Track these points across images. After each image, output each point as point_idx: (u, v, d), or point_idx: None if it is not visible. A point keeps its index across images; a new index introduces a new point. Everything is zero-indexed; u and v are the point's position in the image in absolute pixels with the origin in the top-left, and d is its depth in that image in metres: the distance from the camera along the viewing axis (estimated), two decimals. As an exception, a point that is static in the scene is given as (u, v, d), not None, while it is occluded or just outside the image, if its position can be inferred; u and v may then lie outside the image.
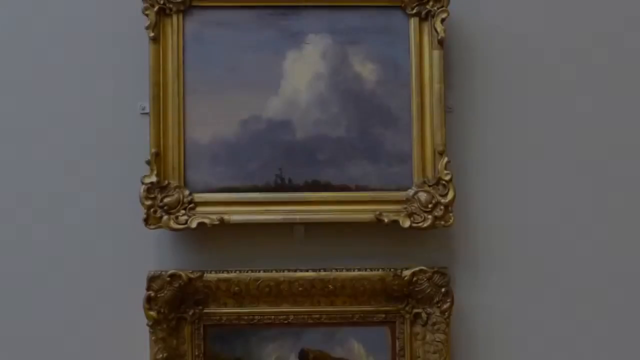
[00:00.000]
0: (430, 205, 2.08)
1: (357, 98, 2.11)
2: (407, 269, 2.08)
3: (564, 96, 2.19)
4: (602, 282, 2.18)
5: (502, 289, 2.17)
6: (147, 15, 2.06)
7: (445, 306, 2.08)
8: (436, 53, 2.10)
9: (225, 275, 2.08)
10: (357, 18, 2.12)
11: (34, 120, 2.14)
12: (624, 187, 2.19)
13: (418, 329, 2.11)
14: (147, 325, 2.06)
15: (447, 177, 2.07)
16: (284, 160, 2.10)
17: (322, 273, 2.09)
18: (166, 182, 2.08)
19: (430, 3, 2.09)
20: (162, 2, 2.07)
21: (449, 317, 2.08)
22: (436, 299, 2.08)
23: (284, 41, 2.11)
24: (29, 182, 2.14)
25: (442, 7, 2.08)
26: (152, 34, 2.07)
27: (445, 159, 2.07)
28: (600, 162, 2.19)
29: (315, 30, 2.11)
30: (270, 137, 2.10)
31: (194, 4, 2.10)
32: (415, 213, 2.08)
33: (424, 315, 2.10)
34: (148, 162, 2.06)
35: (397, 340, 2.12)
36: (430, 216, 2.07)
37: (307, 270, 2.09)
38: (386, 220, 2.06)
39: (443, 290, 2.08)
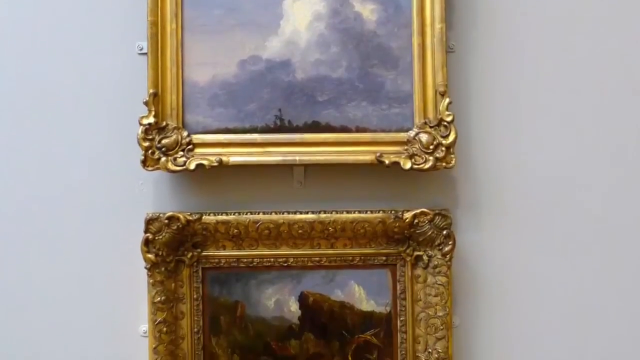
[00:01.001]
0: (431, 147, 2.05)
1: (357, 38, 2.08)
2: (408, 211, 2.06)
3: (566, 36, 2.16)
4: (606, 227, 2.16)
5: (504, 231, 2.14)
6: (144, -48, 2.04)
7: (446, 249, 2.05)
8: (437, -8, 2.07)
9: (224, 217, 2.06)
10: (358, -43, 2.09)
11: (30, 60, 2.11)
12: (632, 128, 2.17)
13: (419, 271, 2.09)
14: (145, 268, 2.04)
15: (449, 118, 2.04)
16: (283, 101, 2.07)
17: (322, 215, 2.07)
18: (164, 123, 2.05)
19: (431, -57, 2.06)
20: (159, -61, 2.04)
21: (450, 259, 2.05)
22: (437, 242, 2.06)
23: (284, -20, 2.09)
24: (23, 121, 2.12)
25: (444, -55, 2.05)
26: (149, -28, 2.04)
27: (447, 100, 2.04)
28: (606, 101, 2.16)
29: (316, -31, 2.09)
30: (270, 77, 2.07)
31: (193, -60, 2.07)
32: (416, 154, 2.05)
33: (425, 257, 2.08)
34: (146, 103, 2.02)
35: (397, 283, 2.10)
36: (431, 158, 2.04)
37: (307, 213, 2.07)
38: (387, 161, 2.03)
39: (444, 232, 2.05)
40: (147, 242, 2.04)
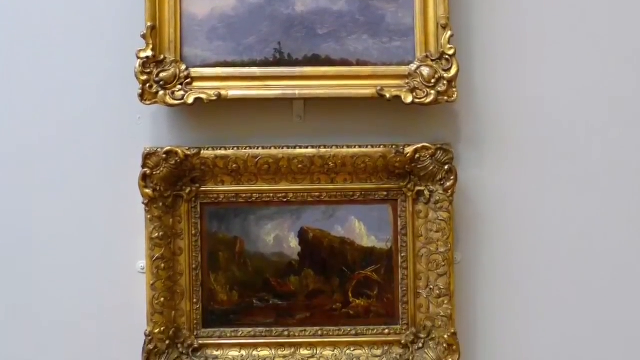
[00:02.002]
0: (433, 80, 2.01)
1: (358, -30, 2.06)
2: (409, 145, 2.03)
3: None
4: (609, 161, 2.13)
5: (507, 165, 2.11)
6: None
7: (448, 184, 2.02)
8: None
9: (222, 152, 2.03)
10: None
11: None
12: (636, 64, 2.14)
13: (420, 207, 2.07)
14: (143, 203, 2.01)
15: (451, 51, 2.00)
16: (283, 34, 2.03)
17: (322, 150, 2.04)
18: (162, 56, 2.02)
19: None
20: None
21: (452, 195, 2.02)
22: (439, 177, 2.03)
23: None
24: (19, 56, 2.10)
25: None
26: None
27: (449, 33, 2.00)
28: (611, 34, 2.13)
29: None
30: (269, 10, 2.04)
31: None
32: (417, 88, 2.02)
33: (426, 193, 2.05)
34: (143, 36, 1.99)
35: (399, 219, 2.07)
36: (433, 91, 2.01)
37: (306, 147, 2.04)
38: (388, 95, 2.00)
39: (446, 167, 2.02)
40: (144, 177, 2.01)
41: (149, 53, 2.00)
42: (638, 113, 2.14)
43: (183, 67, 2.03)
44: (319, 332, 2.09)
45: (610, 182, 2.13)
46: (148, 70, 2.00)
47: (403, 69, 2.04)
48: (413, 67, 2.03)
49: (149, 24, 2.00)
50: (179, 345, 2.07)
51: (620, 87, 2.13)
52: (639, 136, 2.14)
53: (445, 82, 2.01)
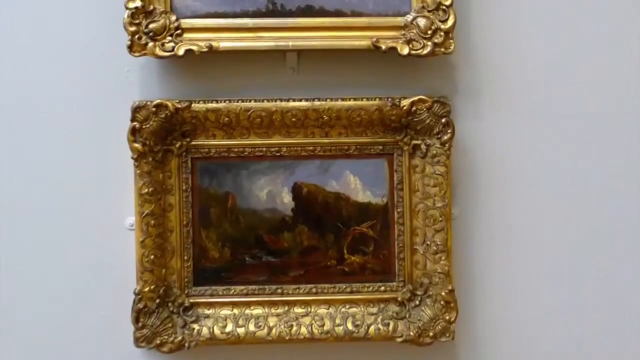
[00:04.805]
0: (429, 32, 1.97)
1: None
2: (405, 98, 1.98)
3: None
4: (606, 116, 2.10)
5: (505, 118, 2.07)
6: None
7: (445, 137, 1.97)
8: None
9: (214, 105, 1.98)
10: None
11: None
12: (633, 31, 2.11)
13: (417, 161, 2.02)
14: (132, 158, 1.96)
15: (448, 2, 1.96)
16: (276, -16, 2.00)
17: (316, 103, 1.99)
18: (151, 6, 1.96)
19: None
20: None
21: (449, 149, 1.98)
22: (436, 130, 1.98)
23: None
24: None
25: None
26: None
27: (446, -17, 1.97)
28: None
29: None
30: (262, -42, 2.00)
31: None
32: (414, 39, 1.97)
33: (423, 146, 2.00)
34: (132, -14, 1.95)
35: (395, 173, 2.03)
36: (429, 43, 1.96)
37: (300, 100, 1.99)
38: (383, 47, 1.96)
39: (443, 120, 1.97)
40: (133, 131, 1.96)
41: (138, 3, 1.95)
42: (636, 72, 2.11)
43: (173, 17, 1.97)
44: (313, 290, 2.04)
45: (608, 135, 2.10)
46: (137, 21, 1.95)
47: (399, 20, 1.99)
48: (409, 18, 1.99)
49: (137, -27, 1.96)
50: (170, 304, 2.01)
51: (620, 46, 2.10)
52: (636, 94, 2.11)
53: (442, 34, 1.97)
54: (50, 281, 2.06)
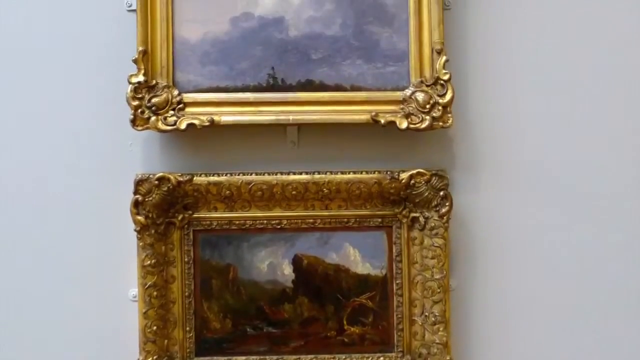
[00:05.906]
0: (428, 106, 2.00)
1: (352, -5, 2.04)
2: (404, 171, 2.01)
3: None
4: (606, 186, 2.12)
5: (502, 191, 2.10)
6: None
7: (443, 210, 2.00)
8: (433, -53, 2.02)
9: (215, 178, 2.01)
10: None
11: (17, 19, 2.07)
12: (625, 85, 2.13)
13: (416, 233, 2.05)
14: (135, 230, 1.99)
15: (446, 77, 1.99)
16: (276, 59, 2.01)
17: (317, 176, 2.02)
18: (154, 81, 1.99)
19: None
20: None
21: (447, 221, 2.01)
22: (434, 203, 2.01)
23: None
24: (9, 79, 2.08)
25: None
26: None
27: (444, 58, 1.99)
28: (605, 52, 2.12)
29: None
30: (263, 35, 2.02)
31: None
32: (412, 114, 2.00)
33: (421, 219, 2.03)
34: (135, 61, 1.97)
35: (394, 245, 2.05)
36: (428, 117, 2.00)
37: (300, 173, 2.02)
38: (382, 121, 1.99)
39: (441, 193, 2.00)
40: (136, 204, 1.99)
41: (141, 78, 1.98)
42: (634, 134, 2.13)
43: (175, 92, 2.00)
44: (314, 360, 2.08)
45: (607, 206, 2.12)
46: (140, 96, 1.98)
47: (398, 95, 2.02)
48: (408, 92, 2.02)
49: (140, 48, 1.98)
50: (172, 374, 2.06)
51: (617, 113, 2.12)
52: (636, 159, 2.14)
53: (440, 108, 2.00)
54: (54, 352, 2.08)
